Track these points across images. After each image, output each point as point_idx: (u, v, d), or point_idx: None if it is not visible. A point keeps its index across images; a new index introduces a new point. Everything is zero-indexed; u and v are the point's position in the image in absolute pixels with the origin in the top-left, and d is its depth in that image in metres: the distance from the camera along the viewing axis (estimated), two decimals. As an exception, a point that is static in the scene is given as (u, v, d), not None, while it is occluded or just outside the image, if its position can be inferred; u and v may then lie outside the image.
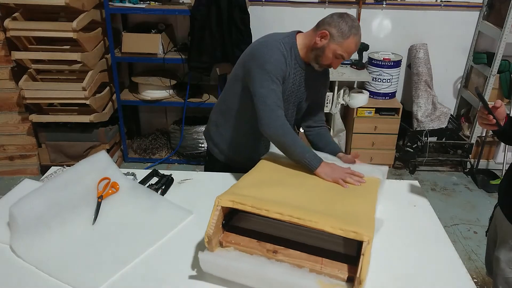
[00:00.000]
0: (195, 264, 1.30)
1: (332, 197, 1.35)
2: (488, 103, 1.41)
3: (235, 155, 1.85)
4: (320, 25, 1.58)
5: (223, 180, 1.75)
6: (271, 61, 1.54)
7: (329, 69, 1.76)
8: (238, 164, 1.82)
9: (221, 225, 1.24)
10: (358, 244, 1.13)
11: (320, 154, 1.60)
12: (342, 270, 1.14)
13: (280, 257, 1.18)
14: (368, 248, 1.07)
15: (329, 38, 1.54)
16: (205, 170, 2.01)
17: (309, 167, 1.51)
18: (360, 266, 1.05)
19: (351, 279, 1.11)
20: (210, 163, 1.96)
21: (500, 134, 1.55)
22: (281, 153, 1.60)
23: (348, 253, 1.18)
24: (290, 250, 1.20)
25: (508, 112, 1.59)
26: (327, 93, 3.36)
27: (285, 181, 1.44)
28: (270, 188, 1.35)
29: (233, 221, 1.30)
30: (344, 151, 1.76)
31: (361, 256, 1.06)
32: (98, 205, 1.45)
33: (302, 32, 1.68)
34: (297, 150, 1.52)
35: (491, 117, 1.40)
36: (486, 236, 1.78)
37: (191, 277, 1.25)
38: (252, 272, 1.13)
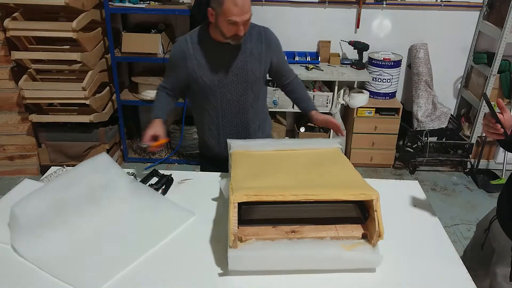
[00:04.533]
0: (197, 264, 1.30)
1: (317, 172, 1.43)
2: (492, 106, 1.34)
3: (207, 145, 1.95)
4: None
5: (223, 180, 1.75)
6: (170, 54, 1.79)
7: (266, 33, 1.78)
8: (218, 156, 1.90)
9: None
10: (360, 206, 1.31)
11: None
12: (355, 230, 1.29)
13: (299, 235, 1.27)
14: (378, 204, 1.23)
15: (214, 13, 1.58)
16: (200, 169, 2.02)
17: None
18: (377, 220, 1.22)
19: (365, 236, 1.28)
20: (201, 158, 2.08)
21: (506, 144, 1.47)
22: (244, 145, 1.64)
23: (353, 215, 1.32)
24: (305, 226, 1.29)
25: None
26: (327, 93, 3.37)
27: (270, 169, 1.47)
28: (266, 177, 1.39)
29: (241, 216, 1.31)
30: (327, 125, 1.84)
31: (375, 212, 1.22)
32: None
33: None
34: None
35: (499, 126, 1.32)
36: (482, 248, 1.67)
37: (193, 277, 1.25)
38: (282, 255, 1.21)
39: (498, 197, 1.58)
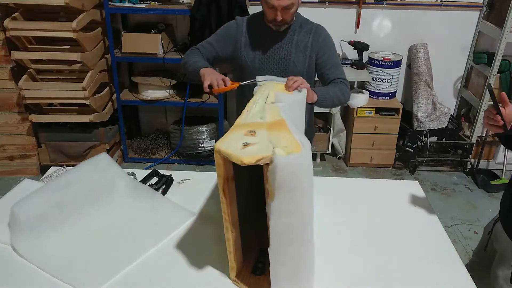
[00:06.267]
0: (197, 264, 1.30)
1: None
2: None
3: None
4: None
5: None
6: (224, 26, 1.83)
7: (317, 28, 1.78)
8: None
9: None
10: None
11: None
12: None
13: None
14: None
15: None
16: None
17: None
18: None
19: None
20: None
21: (504, 138, 1.46)
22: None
23: None
24: None
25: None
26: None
27: None
28: None
29: None
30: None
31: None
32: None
33: None
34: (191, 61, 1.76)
35: (499, 118, 1.31)
36: (485, 251, 1.68)
37: (192, 277, 1.25)
38: None
39: (501, 199, 1.57)
